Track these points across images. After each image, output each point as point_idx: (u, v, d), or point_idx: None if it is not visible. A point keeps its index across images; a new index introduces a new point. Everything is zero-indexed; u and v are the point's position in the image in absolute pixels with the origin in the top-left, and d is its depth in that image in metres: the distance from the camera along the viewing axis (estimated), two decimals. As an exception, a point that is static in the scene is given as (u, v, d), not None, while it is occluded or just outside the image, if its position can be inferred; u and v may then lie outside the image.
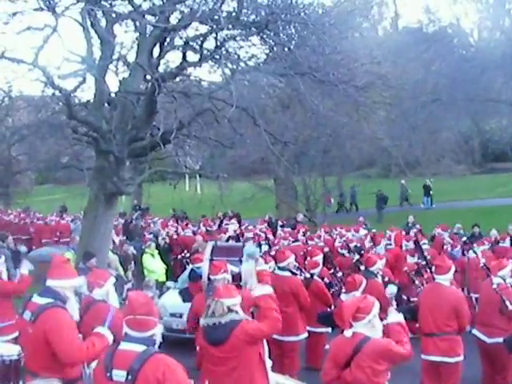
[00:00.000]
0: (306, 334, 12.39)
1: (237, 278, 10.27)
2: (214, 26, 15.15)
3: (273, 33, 15.97)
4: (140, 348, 5.68)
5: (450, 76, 34.35)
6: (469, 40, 37.78)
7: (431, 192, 44.05)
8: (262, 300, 7.77)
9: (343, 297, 10.82)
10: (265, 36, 16.36)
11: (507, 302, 10.54)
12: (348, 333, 6.97)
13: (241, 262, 10.69)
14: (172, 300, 15.49)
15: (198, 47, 16.16)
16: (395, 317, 7.52)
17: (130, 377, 5.55)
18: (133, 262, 19.01)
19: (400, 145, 36.64)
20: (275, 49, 17.19)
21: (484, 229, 23.05)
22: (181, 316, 14.84)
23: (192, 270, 14.60)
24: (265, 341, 7.94)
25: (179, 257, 20.62)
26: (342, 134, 34.34)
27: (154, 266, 19.46)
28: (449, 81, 34.10)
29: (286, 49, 16.60)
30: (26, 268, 11.69)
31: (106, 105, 16.81)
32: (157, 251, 20.15)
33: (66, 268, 7.75)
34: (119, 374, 5.61)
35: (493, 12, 39.52)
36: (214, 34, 15.74)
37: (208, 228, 28.28)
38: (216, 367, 7.48)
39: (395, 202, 44.23)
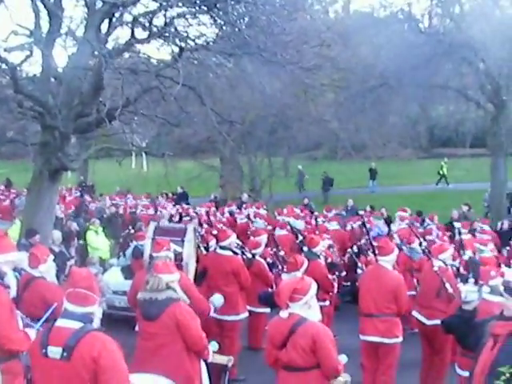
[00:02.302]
0: (246, 314, 12.42)
1: (178, 258, 10.31)
2: (164, 3, 15.07)
3: (222, 12, 15.90)
4: (77, 325, 5.62)
5: (398, 61, 34.52)
6: (419, 26, 37.92)
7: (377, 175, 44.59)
8: None
9: (284, 276, 10.89)
10: (214, 15, 16.29)
11: (447, 285, 10.74)
12: (284, 313, 7.00)
13: (183, 242, 10.75)
14: (114, 277, 15.47)
15: (147, 24, 16.04)
16: None
17: (65, 354, 5.49)
18: (76, 239, 18.87)
19: (347, 128, 36.76)
20: (225, 28, 17.13)
21: (427, 213, 23.39)
22: (123, 293, 14.85)
23: (136, 247, 14.59)
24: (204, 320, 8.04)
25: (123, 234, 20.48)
26: (289, 116, 34.42)
27: (98, 243, 19.39)
28: (397, 66, 34.27)
29: (236, 29, 16.55)
30: None
31: (53, 79, 16.60)
32: (101, 228, 20.06)
33: (3, 242, 7.69)
34: (54, 351, 5.54)
35: (444, -1, 39.84)
36: (163, 11, 15.64)
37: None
38: (146, 342, 7.54)
39: (342, 184, 44.49)
